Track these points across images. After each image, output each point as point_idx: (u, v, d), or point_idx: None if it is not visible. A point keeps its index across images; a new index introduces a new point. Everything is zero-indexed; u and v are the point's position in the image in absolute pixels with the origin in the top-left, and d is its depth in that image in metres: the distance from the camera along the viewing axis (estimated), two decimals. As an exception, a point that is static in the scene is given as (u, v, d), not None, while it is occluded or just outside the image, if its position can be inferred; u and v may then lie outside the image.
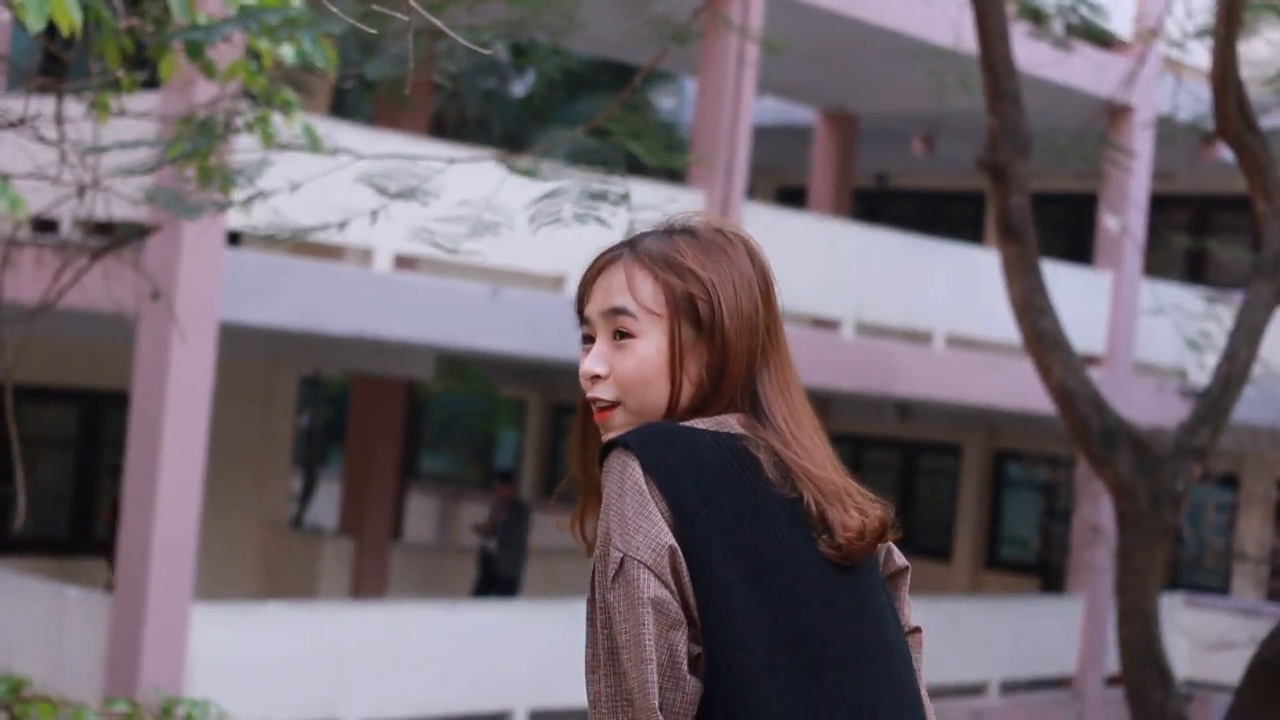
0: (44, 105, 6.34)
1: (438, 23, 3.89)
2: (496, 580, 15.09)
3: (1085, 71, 14.05)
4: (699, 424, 2.14)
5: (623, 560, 2.04)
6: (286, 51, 5.37)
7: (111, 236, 7.46)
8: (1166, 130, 13.24)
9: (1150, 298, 15.25)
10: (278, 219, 5.62)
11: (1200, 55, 12.03)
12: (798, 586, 2.10)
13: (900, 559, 2.32)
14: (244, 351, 12.11)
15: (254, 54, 5.53)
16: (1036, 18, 10.13)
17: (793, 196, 20.41)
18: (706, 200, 12.30)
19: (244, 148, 6.31)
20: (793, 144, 19.01)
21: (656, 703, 2.01)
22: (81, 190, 5.94)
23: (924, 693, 2.26)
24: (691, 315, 2.17)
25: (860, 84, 16.03)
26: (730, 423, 2.16)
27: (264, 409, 14.83)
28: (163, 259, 9.78)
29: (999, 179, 8.89)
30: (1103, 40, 14.11)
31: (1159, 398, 15.21)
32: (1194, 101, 11.72)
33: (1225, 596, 18.50)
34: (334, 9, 4.24)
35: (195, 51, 5.18)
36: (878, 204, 20.92)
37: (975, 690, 15.46)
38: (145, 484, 10.02)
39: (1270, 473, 18.75)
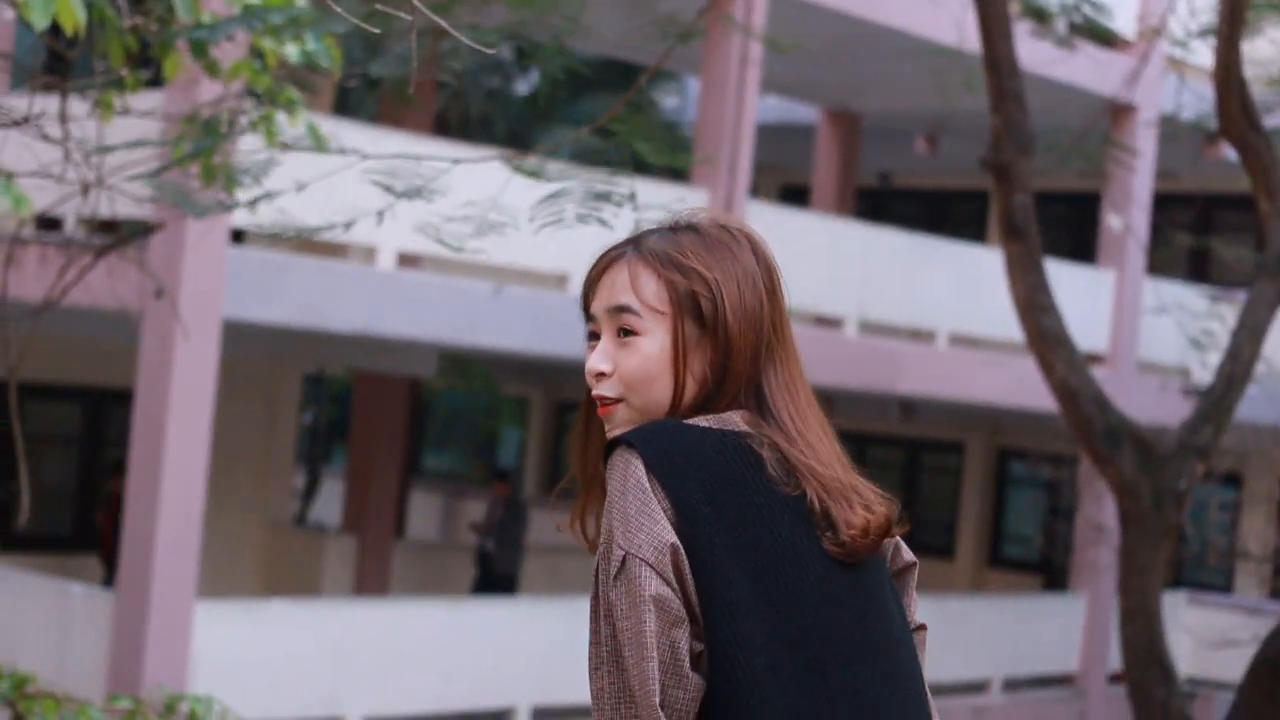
0: (48, 103, 6.34)
1: (441, 22, 3.90)
2: (494, 578, 15.08)
3: (1088, 70, 14.04)
4: (703, 421, 2.14)
5: (625, 558, 2.04)
6: (291, 50, 5.38)
7: (115, 234, 7.45)
8: (1170, 129, 13.23)
9: (1153, 296, 15.26)
10: (283, 218, 5.62)
11: (1203, 54, 12.04)
12: (801, 584, 2.09)
13: (908, 555, 2.31)
14: (247, 349, 12.12)
15: (258, 53, 5.54)
16: (1040, 17, 10.13)
17: (796, 195, 20.40)
18: (710, 199, 12.30)
19: (248, 147, 6.32)
20: (796, 143, 19.01)
21: (658, 700, 2.01)
22: (85, 188, 5.95)
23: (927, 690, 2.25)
24: (695, 312, 2.17)
25: (864, 83, 16.02)
26: (734, 420, 2.16)
27: (267, 407, 14.84)
28: (166, 257, 9.79)
29: (1002, 178, 8.90)
30: (1106, 39, 14.10)
31: (1162, 396, 15.19)
32: (1197, 100, 11.72)
33: (1228, 595, 18.50)
34: (338, 8, 4.25)
35: (199, 50, 5.19)
36: (881, 203, 20.92)
37: (978, 688, 15.45)
38: (149, 481, 10.04)
39: (1273, 471, 18.75)
